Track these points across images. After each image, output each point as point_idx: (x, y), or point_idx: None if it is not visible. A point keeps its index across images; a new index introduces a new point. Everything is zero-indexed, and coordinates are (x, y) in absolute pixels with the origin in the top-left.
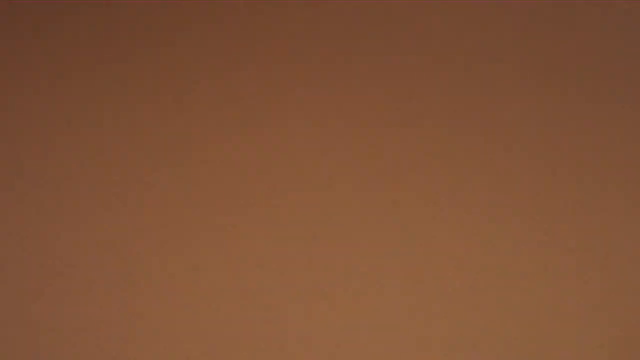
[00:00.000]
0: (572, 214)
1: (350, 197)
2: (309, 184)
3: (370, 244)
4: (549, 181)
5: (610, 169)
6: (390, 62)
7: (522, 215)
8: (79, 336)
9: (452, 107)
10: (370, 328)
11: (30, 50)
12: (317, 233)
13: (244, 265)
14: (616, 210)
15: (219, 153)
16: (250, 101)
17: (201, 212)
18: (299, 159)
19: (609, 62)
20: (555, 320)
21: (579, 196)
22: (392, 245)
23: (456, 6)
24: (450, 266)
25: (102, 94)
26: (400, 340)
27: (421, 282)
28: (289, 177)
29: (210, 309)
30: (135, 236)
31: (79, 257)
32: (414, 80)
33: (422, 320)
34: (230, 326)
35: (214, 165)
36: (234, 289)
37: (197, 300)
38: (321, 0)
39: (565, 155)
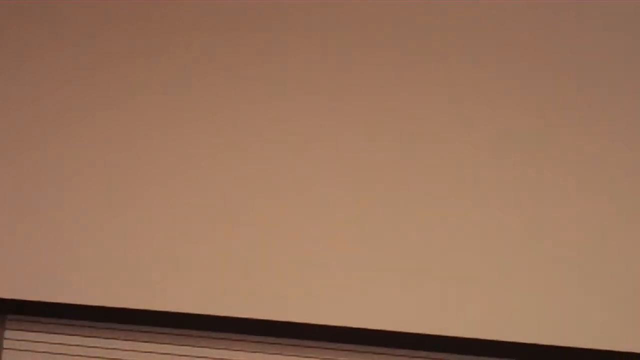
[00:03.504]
0: (569, 211)
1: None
2: (309, 176)
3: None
4: (548, 181)
5: (610, 168)
6: (385, 62)
7: (519, 209)
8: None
9: (451, 107)
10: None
11: (29, 49)
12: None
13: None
14: (616, 211)
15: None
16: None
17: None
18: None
19: (610, 62)
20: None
21: (578, 195)
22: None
23: (456, 6)
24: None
25: (103, 95)
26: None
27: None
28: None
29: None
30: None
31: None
32: (412, 79)
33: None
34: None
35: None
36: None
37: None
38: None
39: (564, 154)
